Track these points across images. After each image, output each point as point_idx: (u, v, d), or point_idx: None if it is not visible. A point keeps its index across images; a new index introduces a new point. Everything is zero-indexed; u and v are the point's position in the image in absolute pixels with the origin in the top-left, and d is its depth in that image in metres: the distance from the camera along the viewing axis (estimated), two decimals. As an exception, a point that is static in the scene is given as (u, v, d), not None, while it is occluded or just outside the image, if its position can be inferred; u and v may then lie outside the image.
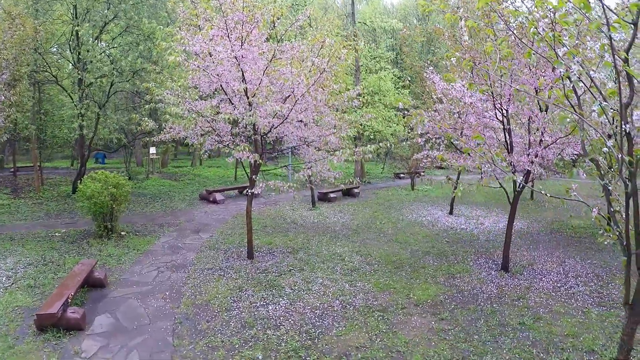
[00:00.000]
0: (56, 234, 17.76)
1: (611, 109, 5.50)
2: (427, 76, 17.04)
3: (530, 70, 11.64)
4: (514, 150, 13.80)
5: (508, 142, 13.75)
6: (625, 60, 5.13)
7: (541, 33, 5.38)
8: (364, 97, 32.93)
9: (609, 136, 5.60)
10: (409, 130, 24.25)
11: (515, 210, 15.34)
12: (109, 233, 17.62)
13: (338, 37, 31.84)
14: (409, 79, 39.10)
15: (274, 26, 15.41)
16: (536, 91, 11.56)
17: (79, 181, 18.08)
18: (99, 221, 17.43)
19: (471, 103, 13.95)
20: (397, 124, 33.03)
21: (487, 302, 12.75)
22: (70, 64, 25.54)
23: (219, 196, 25.70)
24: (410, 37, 46.51)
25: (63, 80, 25.91)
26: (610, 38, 4.91)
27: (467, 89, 13.85)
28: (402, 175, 38.71)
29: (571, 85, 5.82)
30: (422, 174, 38.52)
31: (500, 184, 13.75)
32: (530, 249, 18.16)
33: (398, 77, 39.49)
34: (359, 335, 10.55)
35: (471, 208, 26.38)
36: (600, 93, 5.60)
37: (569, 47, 5.45)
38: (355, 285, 13.58)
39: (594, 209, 6.21)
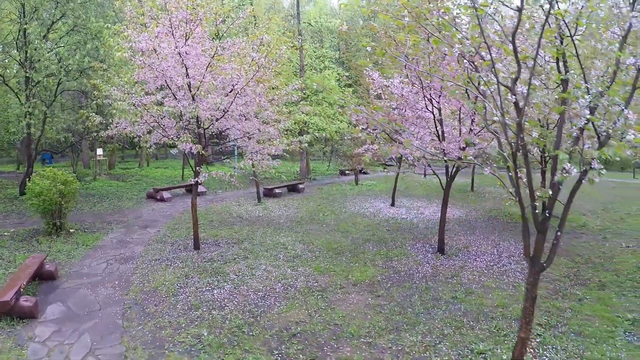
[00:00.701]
0: (5, 233, 17.92)
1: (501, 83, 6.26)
2: (367, 73, 17.65)
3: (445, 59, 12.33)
4: (445, 139, 14.55)
5: (439, 131, 14.50)
6: (513, 42, 5.90)
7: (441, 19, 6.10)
8: (307, 95, 33.45)
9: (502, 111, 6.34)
10: (353, 127, 24.94)
11: (447, 195, 16.32)
12: (58, 230, 17.82)
13: (281, 36, 32.34)
14: (348, 76, 39.84)
15: (217, 24, 15.89)
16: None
17: (27, 181, 18.23)
18: (47, 219, 17.61)
19: (402, 95, 14.69)
20: (341, 122, 33.63)
21: (422, 281, 13.67)
22: (17, 63, 25.52)
23: (166, 194, 25.99)
24: (347, 35, 47.17)
25: (10, 79, 25.85)
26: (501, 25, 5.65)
27: (403, 84, 14.62)
28: (347, 172, 39.43)
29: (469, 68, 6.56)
30: (367, 172, 39.35)
31: (433, 171, 14.60)
32: (467, 234, 19.25)
33: (344, 76, 40.08)
34: (299, 312, 11.24)
35: (413, 200, 27.37)
36: (495, 74, 6.33)
37: (465, 33, 6.18)
38: (297, 270, 14.24)
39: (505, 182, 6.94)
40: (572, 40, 6.68)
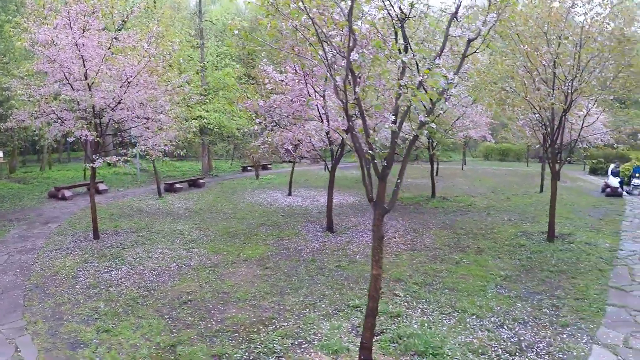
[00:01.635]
0: None
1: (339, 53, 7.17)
2: (262, 67, 18.35)
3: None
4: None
5: (323, 117, 15.38)
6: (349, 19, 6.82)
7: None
8: (208, 93, 33.97)
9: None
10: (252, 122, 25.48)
11: (333, 177, 17.57)
12: (-43, 230, 17.94)
13: (180, 31, 32.77)
14: (246, 74, 40.44)
15: (114, 17, 16.39)
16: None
17: None
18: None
19: (286, 83, 15.59)
20: (241, 118, 34.14)
21: (309, 254, 14.78)
22: None
23: (67, 193, 26.06)
24: (248, 32, 47.61)
25: None
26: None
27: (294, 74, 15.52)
28: (248, 168, 40.00)
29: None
30: (269, 168, 40.14)
31: (324, 160, 15.64)
32: (357, 216, 20.56)
33: (244, 74, 40.55)
34: (191, 284, 12.05)
35: (310, 190, 28.43)
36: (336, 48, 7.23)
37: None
38: (191, 252, 15.01)
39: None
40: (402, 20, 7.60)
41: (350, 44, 6.79)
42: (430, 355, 8.41)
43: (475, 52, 7.95)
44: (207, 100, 33.62)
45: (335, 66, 7.32)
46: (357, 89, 6.90)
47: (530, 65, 15.83)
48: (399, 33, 7.59)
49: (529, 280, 13.01)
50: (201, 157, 39.19)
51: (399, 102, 7.43)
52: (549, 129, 16.80)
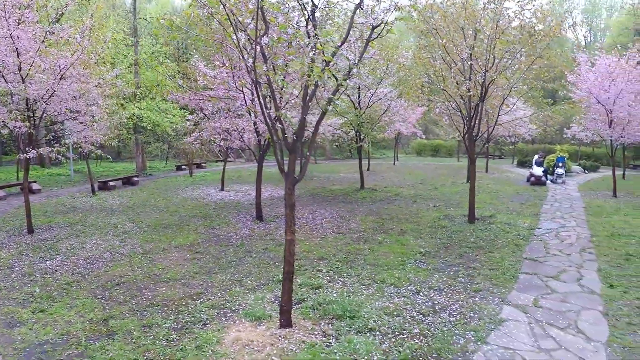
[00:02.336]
0: None
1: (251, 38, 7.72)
2: (194, 64, 18.73)
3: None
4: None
5: (251, 110, 15.85)
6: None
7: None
8: (141, 91, 34.04)
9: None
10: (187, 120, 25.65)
11: (261, 168, 18.22)
12: None
13: (115, 29, 32.78)
14: (179, 71, 40.44)
15: (47, 10, 16.57)
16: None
17: None
18: None
19: (214, 77, 16.05)
20: (174, 116, 34.25)
21: (238, 240, 15.44)
22: None
23: (0, 193, 26.02)
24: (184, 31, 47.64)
25: None
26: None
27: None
28: (183, 166, 40.21)
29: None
30: (204, 166, 40.43)
31: (254, 154, 16.22)
32: (287, 206, 20.98)
33: (178, 71, 40.43)
34: (123, 269, 12.47)
35: (243, 185, 29.05)
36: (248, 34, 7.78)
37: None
38: (124, 242, 15.38)
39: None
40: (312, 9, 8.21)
41: (262, 30, 7.35)
42: (347, 318, 9.04)
43: (378, 36, 8.54)
44: (141, 98, 33.72)
45: (249, 50, 7.84)
46: (264, 68, 7.45)
47: (448, 58, 16.71)
48: (310, 21, 8.18)
49: (447, 255, 13.90)
50: (135, 157, 39.22)
51: (307, 80, 7.98)
52: (466, 118, 17.71)
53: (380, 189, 27.83)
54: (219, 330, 8.68)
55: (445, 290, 11.05)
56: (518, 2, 16.22)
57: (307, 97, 8.27)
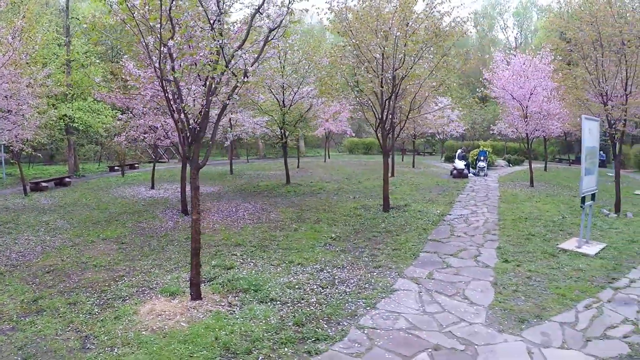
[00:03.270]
0: None
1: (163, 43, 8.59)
2: (123, 64, 19.13)
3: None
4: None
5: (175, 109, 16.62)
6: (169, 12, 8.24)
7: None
8: (73, 91, 34.02)
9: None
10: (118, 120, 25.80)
11: (185, 164, 18.91)
12: None
13: (48, 28, 32.81)
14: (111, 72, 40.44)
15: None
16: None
17: None
18: None
19: (141, 76, 16.70)
20: (106, 116, 34.21)
21: (163, 231, 16.26)
22: None
23: None
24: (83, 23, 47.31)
25: None
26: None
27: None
28: (116, 167, 40.19)
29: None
30: (137, 167, 40.74)
31: (178, 154, 17.01)
32: (213, 201, 22.05)
33: (109, 72, 40.26)
34: (54, 260, 13.10)
35: (173, 184, 29.47)
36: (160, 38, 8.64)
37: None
38: (55, 237, 15.89)
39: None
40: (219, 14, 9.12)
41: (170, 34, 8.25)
42: (252, 291, 10.08)
43: (274, 38, 9.52)
44: (73, 99, 33.72)
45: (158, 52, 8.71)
46: (168, 68, 8.37)
47: (362, 57, 17.77)
48: (216, 25, 9.08)
49: (356, 239, 15.09)
50: (68, 158, 39.16)
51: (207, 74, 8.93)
52: (379, 112, 18.76)
53: (306, 184, 28.84)
54: (136, 304, 9.54)
55: (347, 267, 12.12)
56: (427, 4, 17.37)
57: (209, 92, 9.17)
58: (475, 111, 54.72)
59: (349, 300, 9.88)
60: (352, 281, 11.08)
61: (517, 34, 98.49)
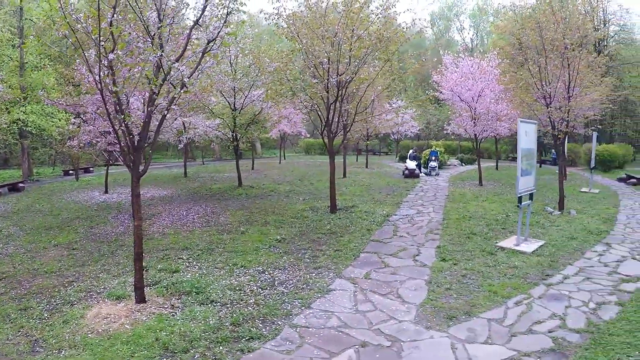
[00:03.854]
0: None
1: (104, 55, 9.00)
2: (76, 68, 19.17)
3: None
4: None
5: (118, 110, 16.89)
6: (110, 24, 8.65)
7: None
8: (27, 94, 33.77)
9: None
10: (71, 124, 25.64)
11: (137, 168, 19.11)
12: None
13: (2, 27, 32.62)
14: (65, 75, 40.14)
15: None
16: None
17: None
18: None
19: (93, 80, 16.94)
20: (60, 120, 33.96)
21: (113, 236, 16.59)
22: None
23: None
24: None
25: None
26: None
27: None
28: (70, 171, 40.02)
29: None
30: (91, 171, 40.74)
31: (122, 159, 17.40)
32: (165, 205, 22.39)
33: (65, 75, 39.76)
34: (6, 267, 13.30)
35: (127, 188, 29.41)
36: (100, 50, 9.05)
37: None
38: (8, 244, 16.07)
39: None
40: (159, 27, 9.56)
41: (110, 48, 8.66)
42: (194, 293, 10.56)
43: (210, 50, 9.97)
44: (27, 102, 33.49)
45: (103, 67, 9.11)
46: (108, 81, 8.80)
47: (308, 62, 18.29)
48: (156, 37, 9.50)
49: (300, 241, 15.57)
50: (21, 162, 38.93)
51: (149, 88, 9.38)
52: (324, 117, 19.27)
53: (258, 187, 29.18)
54: (84, 308, 9.91)
55: (288, 269, 12.63)
56: (372, 11, 17.93)
57: (149, 104, 9.61)
58: (429, 111, 55.76)
59: (286, 300, 10.36)
60: (291, 282, 11.57)
61: (473, 35, 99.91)
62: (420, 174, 35.16)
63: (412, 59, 21.56)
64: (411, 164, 34.95)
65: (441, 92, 31.74)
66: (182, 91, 9.48)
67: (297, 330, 8.93)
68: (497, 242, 15.44)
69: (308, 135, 52.36)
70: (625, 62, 64.57)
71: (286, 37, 19.15)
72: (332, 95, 18.69)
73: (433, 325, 9.24)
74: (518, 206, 15.23)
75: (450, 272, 12.46)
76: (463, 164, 46.55)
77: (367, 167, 41.88)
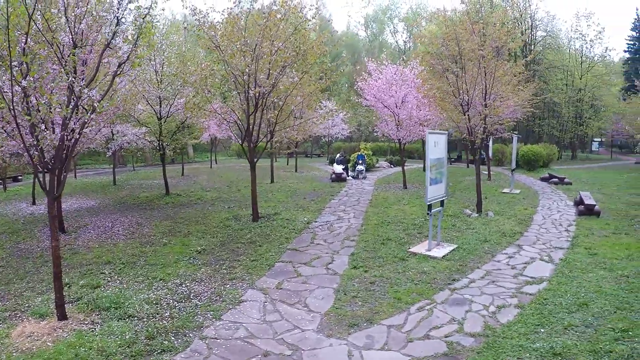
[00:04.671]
0: None
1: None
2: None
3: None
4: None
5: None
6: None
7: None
8: None
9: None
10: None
11: (59, 180, 19.29)
12: None
13: None
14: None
15: None
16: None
17: None
18: None
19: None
20: None
21: (39, 252, 16.68)
22: None
23: None
24: None
25: None
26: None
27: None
28: (-4, 181, 39.38)
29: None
30: (19, 177, 40.30)
31: (46, 170, 17.63)
32: (91, 216, 22.55)
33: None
34: None
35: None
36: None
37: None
38: None
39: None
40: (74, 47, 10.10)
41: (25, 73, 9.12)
42: (113, 309, 11.05)
43: (122, 72, 10.63)
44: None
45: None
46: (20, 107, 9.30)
47: (228, 74, 18.82)
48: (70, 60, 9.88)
49: (220, 252, 16.09)
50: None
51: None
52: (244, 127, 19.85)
53: (185, 194, 29.51)
54: (8, 327, 10.30)
55: (205, 280, 13.19)
56: (291, 23, 18.56)
57: (62, 127, 10.09)
58: (361, 113, 56.90)
59: (199, 312, 10.98)
60: (206, 294, 12.13)
61: (406, 38, 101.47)
62: (347, 178, 36.11)
63: (327, 71, 22.17)
64: (338, 168, 35.88)
65: (365, 99, 32.74)
66: (92, 115, 10.05)
67: (206, 342, 9.52)
68: (409, 248, 16.22)
69: (239, 140, 52.65)
70: (551, 66, 67.03)
71: (208, 48, 19.75)
72: (252, 106, 19.23)
73: (334, 333, 9.91)
74: (428, 214, 16.09)
75: (359, 279, 13.17)
76: (392, 166, 47.67)
77: (296, 170, 42.50)
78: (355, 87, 35.29)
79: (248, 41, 18.17)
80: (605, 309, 11.01)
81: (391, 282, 12.93)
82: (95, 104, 9.93)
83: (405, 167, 33.44)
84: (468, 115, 21.07)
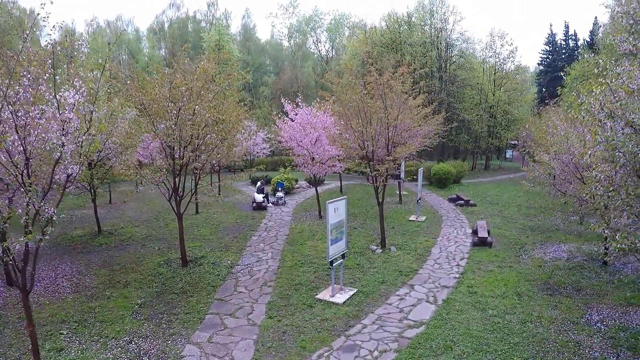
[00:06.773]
0: None
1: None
2: None
3: None
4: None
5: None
6: None
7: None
8: None
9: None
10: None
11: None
12: None
13: None
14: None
15: None
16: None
17: None
18: None
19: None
20: None
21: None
22: None
23: None
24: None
25: None
26: None
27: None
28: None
29: None
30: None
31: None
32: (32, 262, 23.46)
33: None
34: None
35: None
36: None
37: None
38: None
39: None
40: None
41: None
42: (76, 374, 12.52)
43: (94, 110, 12.57)
44: None
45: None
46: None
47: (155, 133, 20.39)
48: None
49: (158, 304, 17.38)
50: None
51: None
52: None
53: (117, 232, 29.70)
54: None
55: (150, 337, 14.71)
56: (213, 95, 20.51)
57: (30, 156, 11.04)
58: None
59: (147, 370, 12.69)
60: (152, 352, 13.75)
61: (329, 48, 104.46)
62: (268, 205, 39.01)
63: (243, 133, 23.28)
64: (259, 197, 38.55)
65: (282, 138, 35.35)
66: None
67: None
68: (317, 294, 18.08)
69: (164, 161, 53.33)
70: (465, 84, 71.37)
71: (136, 107, 21.42)
72: (177, 169, 20.71)
73: (255, 382, 11.84)
74: (330, 267, 18.06)
75: (274, 329, 15.13)
76: (311, 186, 49.74)
77: (219, 193, 43.06)
78: (272, 127, 37.42)
79: (171, 106, 19.49)
80: (466, 351, 13.61)
81: (299, 331, 14.95)
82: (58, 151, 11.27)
83: (324, 187, 34.54)
84: (371, 163, 24.29)
